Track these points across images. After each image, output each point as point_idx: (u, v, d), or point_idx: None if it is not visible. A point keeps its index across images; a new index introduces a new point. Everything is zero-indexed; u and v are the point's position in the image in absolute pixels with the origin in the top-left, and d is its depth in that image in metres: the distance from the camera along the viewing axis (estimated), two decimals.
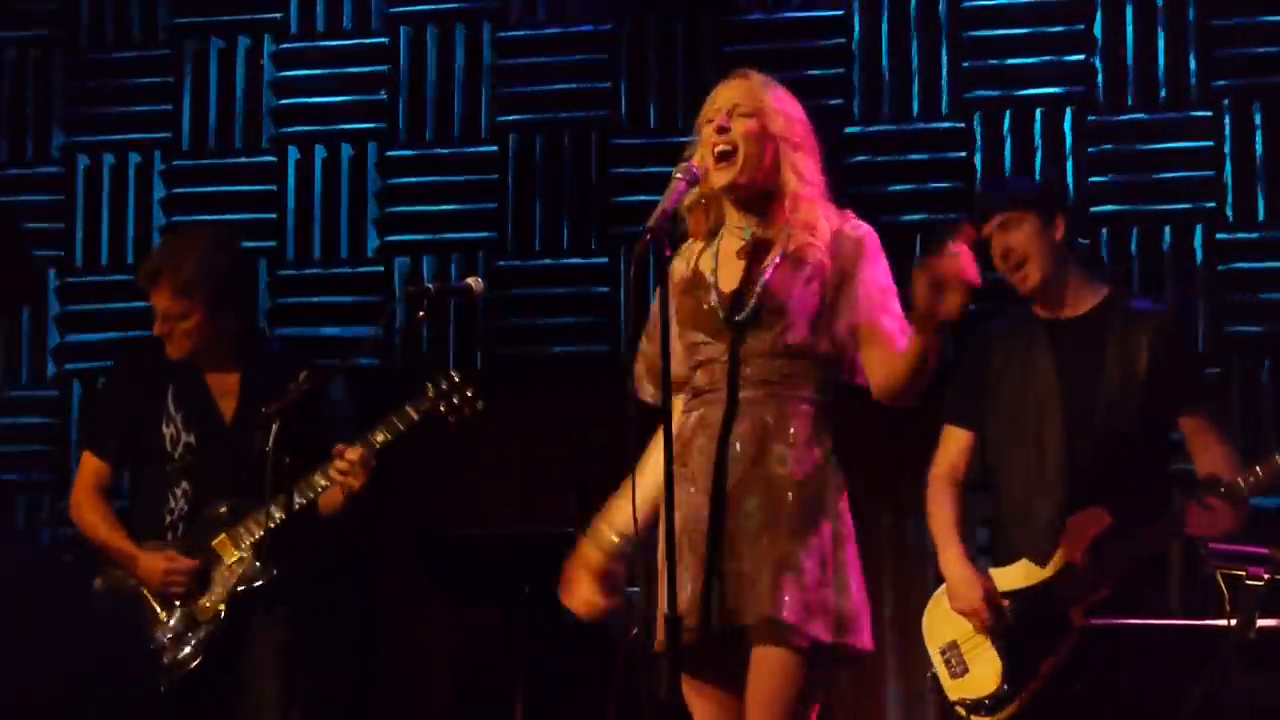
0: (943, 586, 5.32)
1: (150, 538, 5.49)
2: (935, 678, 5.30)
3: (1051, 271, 5.23)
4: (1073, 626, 5.03)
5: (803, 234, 4.23)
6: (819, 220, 4.25)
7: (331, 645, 6.68)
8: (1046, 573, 5.12)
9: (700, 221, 4.35)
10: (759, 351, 4.20)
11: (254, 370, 5.58)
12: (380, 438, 5.31)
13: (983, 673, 5.17)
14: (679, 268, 4.37)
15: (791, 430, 4.17)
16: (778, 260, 4.23)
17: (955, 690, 5.22)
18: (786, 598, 4.08)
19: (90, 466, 5.63)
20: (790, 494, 4.14)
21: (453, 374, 5.33)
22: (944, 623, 5.28)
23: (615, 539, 4.35)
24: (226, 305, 5.49)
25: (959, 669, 5.22)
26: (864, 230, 4.28)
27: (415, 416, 5.30)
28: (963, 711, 5.21)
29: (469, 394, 5.30)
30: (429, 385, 5.33)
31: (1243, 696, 4.60)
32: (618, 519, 4.34)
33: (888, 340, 4.19)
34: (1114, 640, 4.91)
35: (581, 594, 4.37)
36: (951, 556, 5.27)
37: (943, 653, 5.27)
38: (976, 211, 5.35)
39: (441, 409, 5.28)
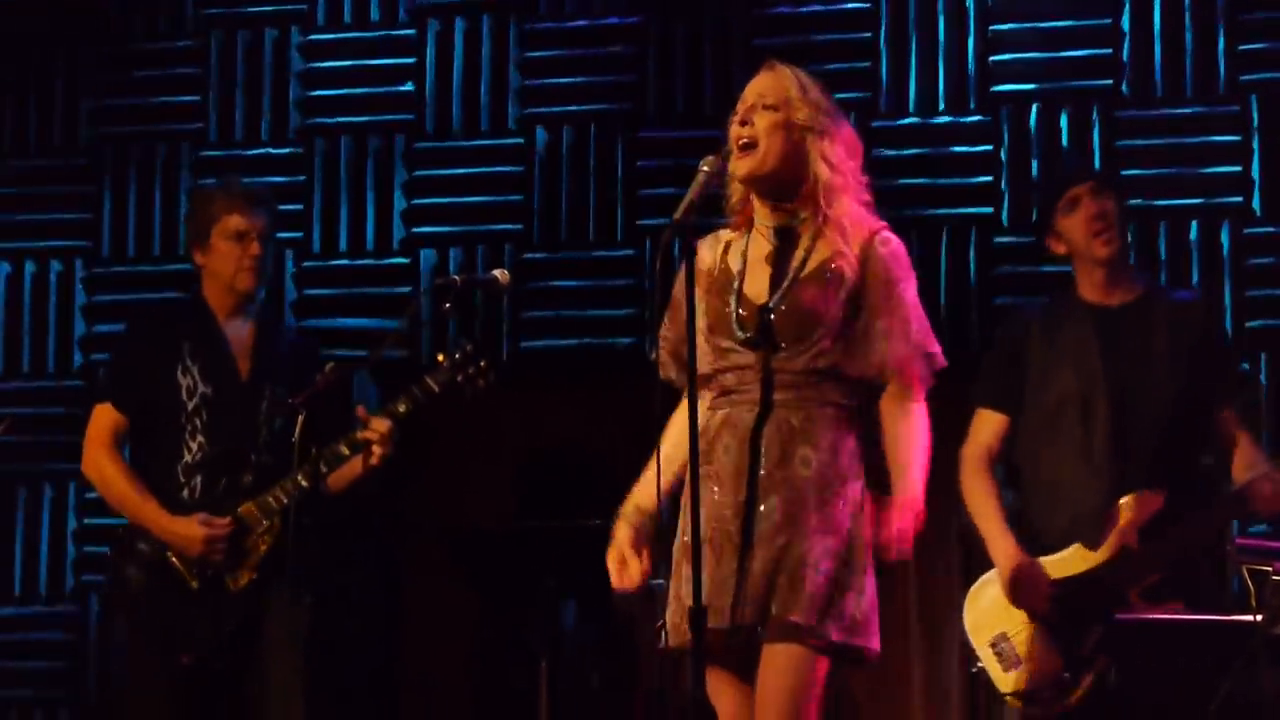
0: (984, 578, 5.28)
1: (163, 495, 5.49)
2: (983, 672, 5.24)
3: (1123, 248, 5.29)
4: (1131, 606, 5.01)
5: (833, 237, 4.23)
6: (849, 222, 4.25)
7: (352, 635, 6.69)
8: (1100, 558, 5.10)
9: (741, 214, 4.36)
10: (788, 365, 4.22)
11: (267, 332, 5.67)
12: (402, 408, 5.39)
13: (1041, 662, 5.12)
14: (705, 257, 4.37)
15: (817, 433, 4.19)
16: (806, 274, 4.24)
17: (1010, 682, 5.16)
18: (801, 598, 4.10)
19: (107, 419, 5.62)
20: (811, 496, 4.16)
21: (465, 345, 5.41)
22: (990, 614, 5.23)
23: (644, 517, 4.36)
24: None
25: (1013, 661, 5.17)
26: (892, 246, 4.28)
27: (435, 388, 5.38)
28: (1017, 703, 5.16)
29: (482, 364, 5.39)
30: (442, 357, 5.41)
31: (1269, 692, 4.59)
32: (643, 497, 4.36)
33: (904, 390, 4.27)
34: (1141, 635, 4.90)
35: (630, 574, 4.34)
36: (1004, 545, 5.21)
37: (993, 645, 5.21)
38: (1063, 177, 5.50)
39: (458, 379, 5.36)
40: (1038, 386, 5.31)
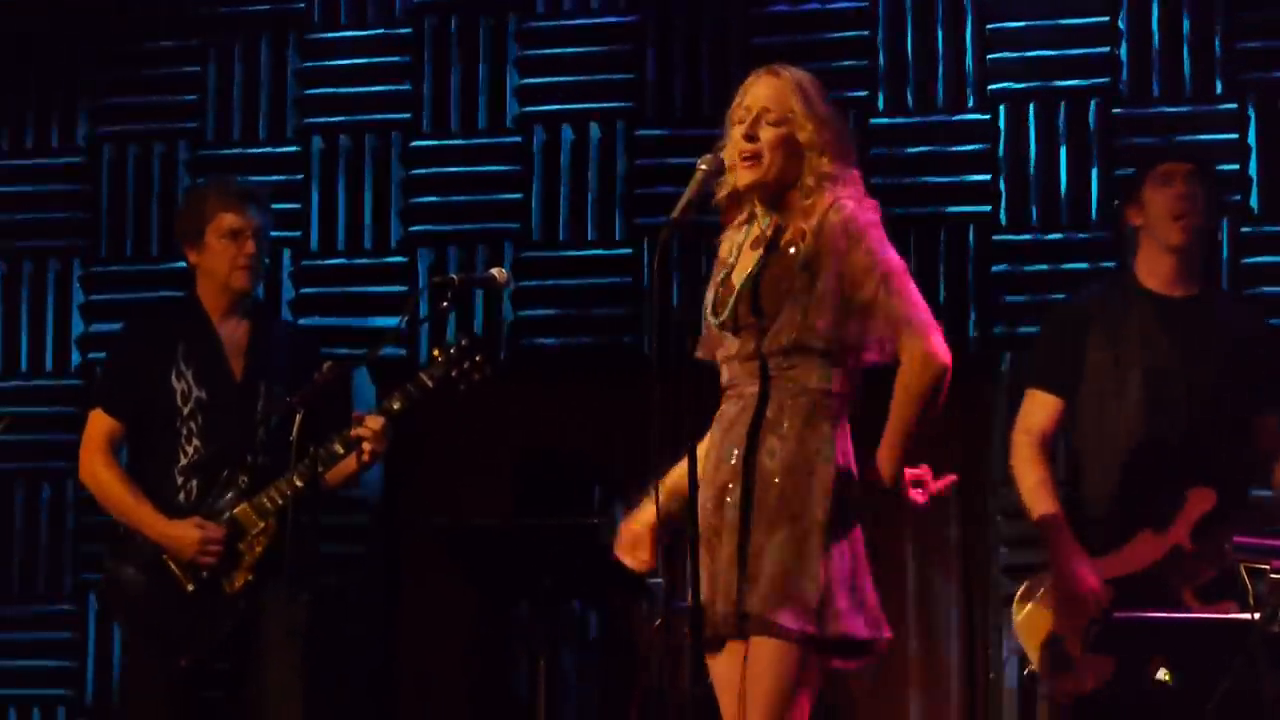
0: (1036, 579, 5.24)
1: (159, 499, 5.49)
2: (1034, 675, 5.20)
3: (1197, 244, 5.26)
4: (1186, 607, 4.99)
5: (798, 222, 4.25)
6: (816, 204, 4.24)
7: (350, 634, 6.70)
8: (1154, 556, 5.07)
9: (733, 213, 4.38)
10: (760, 348, 4.24)
11: (262, 330, 5.65)
12: (396, 405, 5.37)
13: (1096, 663, 5.07)
14: (723, 248, 4.45)
15: (785, 423, 4.19)
16: (773, 255, 4.27)
17: (1064, 684, 5.13)
18: (760, 589, 4.12)
19: (101, 425, 5.62)
20: (774, 485, 4.17)
21: (461, 340, 5.40)
22: (1041, 615, 5.20)
23: (664, 501, 4.34)
24: None
25: (1066, 662, 5.12)
26: (846, 213, 4.22)
27: (430, 383, 5.36)
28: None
29: (478, 359, 5.37)
30: (437, 351, 5.40)
31: (1268, 691, 4.59)
32: (676, 481, 4.33)
33: (878, 325, 4.19)
34: (1139, 634, 4.90)
35: (638, 553, 4.39)
36: (1064, 540, 5.15)
37: (1046, 647, 5.17)
38: (1167, 165, 5.40)
39: (453, 374, 5.35)
40: (1096, 370, 5.25)
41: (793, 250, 4.23)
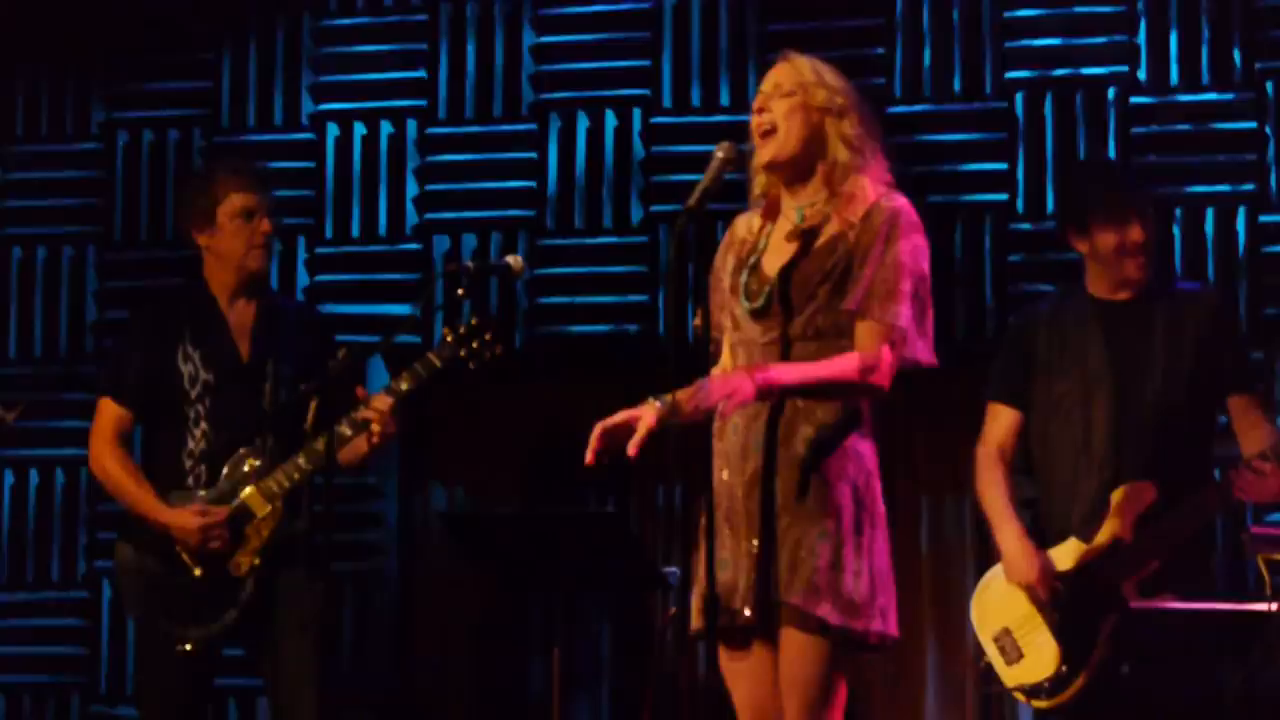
0: (990, 572, 5.28)
1: (170, 484, 5.49)
2: (989, 667, 5.25)
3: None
4: (1126, 603, 5.01)
5: (844, 212, 4.22)
6: (858, 193, 4.23)
7: (362, 622, 6.70)
8: (1095, 549, 5.10)
9: (771, 207, 4.35)
10: (790, 335, 4.21)
11: (270, 310, 5.63)
12: (405, 385, 5.35)
13: (1040, 656, 5.13)
14: (740, 228, 4.42)
15: (819, 412, 4.17)
16: (814, 249, 4.24)
17: (1013, 677, 5.18)
18: (797, 580, 4.12)
19: (110, 413, 5.60)
20: (812, 476, 4.15)
21: (472, 319, 5.37)
22: (995, 609, 5.24)
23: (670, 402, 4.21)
24: None
25: (1014, 655, 5.18)
26: (898, 204, 4.24)
27: (438, 363, 5.34)
28: (1022, 697, 5.19)
29: (488, 337, 5.35)
30: (448, 331, 5.38)
31: None
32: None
33: (861, 329, 4.17)
34: (1156, 624, 4.90)
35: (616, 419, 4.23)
36: (1009, 532, 5.21)
37: (996, 640, 5.22)
38: (1111, 179, 5.36)
39: (462, 354, 5.33)
40: (1044, 383, 5.30)
41: (837, 247, 4.21)
